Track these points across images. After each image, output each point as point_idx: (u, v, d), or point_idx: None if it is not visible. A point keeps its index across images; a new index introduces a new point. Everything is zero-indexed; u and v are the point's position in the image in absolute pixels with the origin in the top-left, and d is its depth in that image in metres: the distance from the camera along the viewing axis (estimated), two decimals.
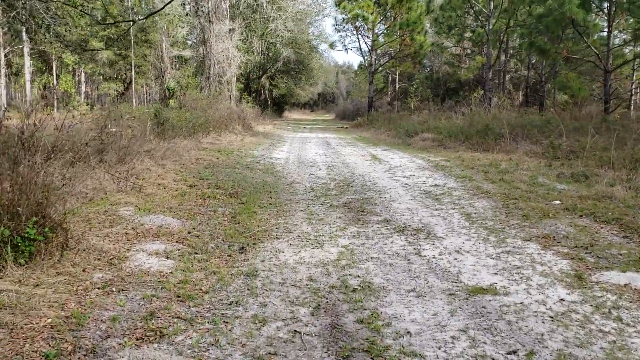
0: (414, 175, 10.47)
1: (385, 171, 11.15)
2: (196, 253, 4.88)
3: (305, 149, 16.66)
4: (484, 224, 6.18)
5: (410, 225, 6.11)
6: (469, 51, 42.09)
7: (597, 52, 21.81)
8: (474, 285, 4.11)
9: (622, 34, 25.93)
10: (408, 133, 19.84)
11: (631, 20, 22.11)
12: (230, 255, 4.87)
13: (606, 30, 21.20)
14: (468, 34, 38.39)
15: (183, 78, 27.05)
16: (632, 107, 32.28)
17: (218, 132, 18.26)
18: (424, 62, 40.33)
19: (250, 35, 38.79)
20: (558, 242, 5.27)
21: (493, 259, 4.82)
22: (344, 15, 34.64)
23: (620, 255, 4.71)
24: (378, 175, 10.40)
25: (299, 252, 5.06)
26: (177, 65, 33.22)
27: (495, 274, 4.40)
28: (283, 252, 5.03)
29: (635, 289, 4.00)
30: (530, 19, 25.51)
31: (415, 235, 5.69)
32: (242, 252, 4.98)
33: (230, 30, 31.78)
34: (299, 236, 5.63)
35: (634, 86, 34.55)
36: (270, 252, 5.05)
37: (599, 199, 7.11)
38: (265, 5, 39.49)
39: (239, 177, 9.37)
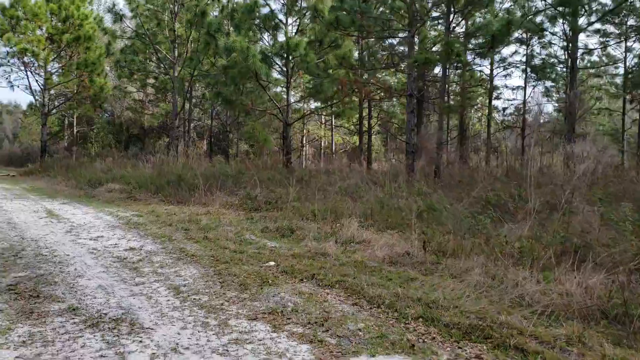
0: (102, 236, 8.84)
1: (67, 232, 9.22)
2: None
3: None
4: (198, 300, 5.13)
5: (106, 314, 4.67)
6: (152, 97, 41.27)
7: (279, 106, 23.25)
8: None
9: (298, 92, 28.39)
10: (91, 183, 17.70)
11: (307, 77, 24.33)
12: None
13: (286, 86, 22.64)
14: (151, 80, 37.63)
15: None
16: (304, 158, 35.63)
17: None
18: (104, 106, 37.85)
19: None
20: (288, 319, 4.53)
21: (221, 354, 3.79)
22: (8, 49, 30.14)
23: (360, 331, 4.19)
24: (57, 239, 8.46)
25: None
26: None
27: None
28: None
29: None
30: (214, 69, 26.06)
31: (115, 329, 4.29)
32: None
33: None
34: None
35: (304, 138, 38.36)
36: None
37: (314, 256, 6.79)
38: None
39: None
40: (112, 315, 4.63)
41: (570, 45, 15.53)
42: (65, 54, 31.09)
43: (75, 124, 38.45)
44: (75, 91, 31.58)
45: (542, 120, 31.82)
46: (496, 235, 6.41)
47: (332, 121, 36.46)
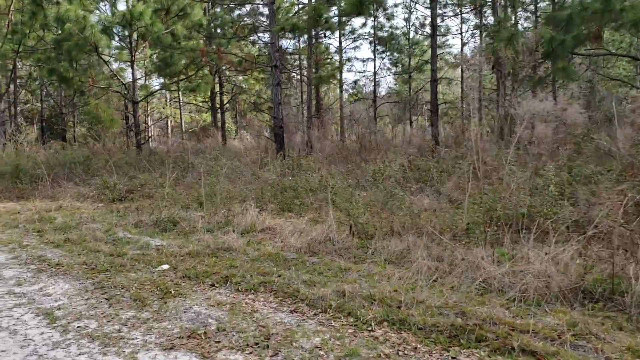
0: None
1: None
2: None
3: None
4: (85, 328, 3.87)
5: None
6: None
7: (124, 83, 21.09)
8: None
9: (141, 66, 25.99)
10: None
11: (152, 51, 22.30)
12: None
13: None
14: None
15: None
16: (150, 139, 33.18)
17: None
18: None
19: None
20: (217, 343, 3.50)
21: None
22: None
23: (320, 349, 3.29)
24: None
25: None
26: None
27: None
28: None
29: None
30: (42, 44, 22.92)
31: None
32: None
33: None
34: None
35: (149, 118, 35.86)
36: None
37: (215, 253, 5.70)
38: None
39: None
40: None
41: (431, 11, 15.70)
42: None
43: None
44: None
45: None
46: (423, 211, 5.84)
47: (179, 98, 34.34)
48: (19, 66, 29.24)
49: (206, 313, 4.06)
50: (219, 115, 27.89)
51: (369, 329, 3.56)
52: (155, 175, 11.24)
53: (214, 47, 20.07)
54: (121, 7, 19.89)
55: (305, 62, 28.51)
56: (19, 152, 15.81)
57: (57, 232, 7.30)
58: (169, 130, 37.91)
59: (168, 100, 37.29)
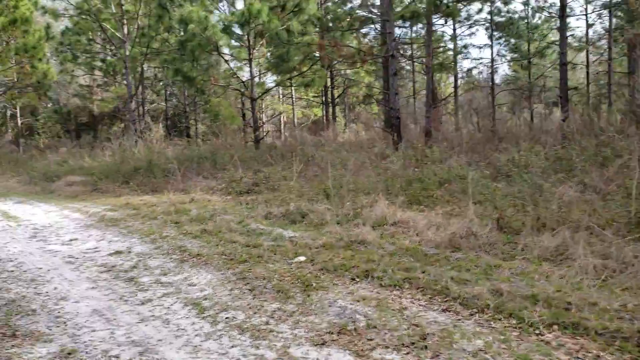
0: (77, 238, 7.40)
1: (31, 237, 7.73)
2: None
3: None
4: (233, 320, 3.88)
5: (118, 357, 3.37)
6: (100, 82, 38.80)
7: (244, 81, 21.75)
8: None
9: (260, 64, 26.72)
10: (47, 177, 15.91)
11: (267, 49, 22.79)
12: None
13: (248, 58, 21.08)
14: (98, 63, 35.19)
15: None
16: (266, 135, 34.03)
17: None
18: (50, 94, 35.25)
19: None
20: (370, 340, 3.34)
21: None
22: None
23: (485, 353, 3.04)
24: (22, 247, 6.98)
25: None
26: None
27: None
28: None
29: None
30: (166, 46, 24.22)
31: None
32: None
33: None
34: None
35: (263, 114, 36.82)
36: None
37: (349, 246, 5.59)
38: None
39: None
40: (128, 358, 3.34)
41: None
42: (1, 40, 28.50)
43: (19, 115, 35.71)
44: (16, 79, 29.11)
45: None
46: (583, 202, 5.34)
47: (292, 94, 34.95)
48: (145, 68, 31.20)
49: (352, 308, 3.92)
50: (330, 109, 28.07)
51: (537, 332, 3.23)
52: (278, 169, 11.40)
53: (330, 40, 20.05)
54: (239, 6, 20.37)
55: (418, 52, 27.90)
56: (150, 149, 16.77)
57: (193, 224, 7.56)
58: (282, 126, 38.75)
59: (281, 97, 38.09)
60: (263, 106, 36.09)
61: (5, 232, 8.31)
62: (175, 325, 3.84)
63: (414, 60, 23.78)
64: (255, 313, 3.98)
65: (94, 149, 23.01)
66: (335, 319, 3.74)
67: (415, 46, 27.34)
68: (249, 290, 4.54)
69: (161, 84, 35.56)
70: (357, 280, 4.57)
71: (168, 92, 34.94)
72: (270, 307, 4.08)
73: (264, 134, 25.25)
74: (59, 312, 4.25)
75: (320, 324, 3.67)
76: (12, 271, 5.71)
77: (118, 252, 6.37)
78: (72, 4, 24.69)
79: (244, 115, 28.84)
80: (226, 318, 3.92)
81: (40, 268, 5.79)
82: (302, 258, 5.30)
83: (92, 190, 12.80)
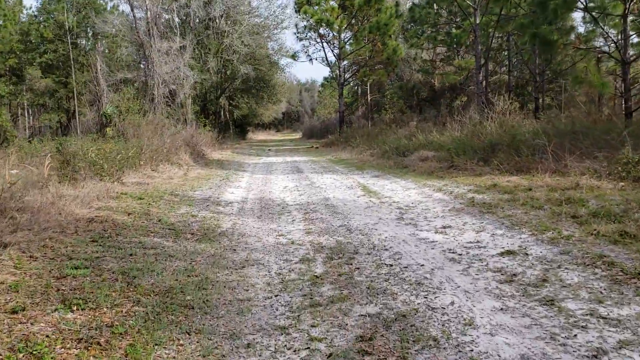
0: (449, 226, 6.27)
1: (398, 219, 6.92)
2: None
3: (270, 181, 12.36)
4: None
5: None
6: (442, 56, 38.62)
7: (615, 40, 18.26)
8: None
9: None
10: (398, 151, 15.73)
11: None
12: None
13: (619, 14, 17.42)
14: (441, 37, 34.86)
15: (122, 102, 22.42)
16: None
17: (155, 165, 13.85)
18: (397, 70, 36.53)
19: (204, 53, 34.63)
20: None
21: None
22: (305, 22, 30.58)
23: None
24: (392, 232, 6.16)
25: None
26: (117, 89, 28.90)
27: None
28: None
29: None
30: (524, 7, 21.89)
31: None
32: None
33: (180, 47, 27.57)
34: None
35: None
36: None
37: None
38: (218, 19, 35.34)
39: (142, 265, 4.92)
40: None
41: None
42: (357, 20, 30.34)
43: (368, 92, 38.10)
44: (368, 57, 30.76)
45: None
46: None
47: None
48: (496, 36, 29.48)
49: None
50: None
51: None
52: None
53: None
54: None
55: None
56: (503, 123, 15.12)
57: (602, 220, 5.63)
58: None
59: None
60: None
61: (370, 210, 7.75)
62: None
63: None
64: None
65: (437, 123, 22.53)
66: None
67: None
68: None
69: (504, 53, 33.41)
70: None
71: (513, 62, 32.59)
72: None
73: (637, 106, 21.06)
74: (471, 351, 2.97)
75: None
76: (390, 265, 4.78)
77: (510, 253, 4.93)
78: None
79: (623, 81, 24.79)
80: None
81: (422, 265, 4.73)
82: None
83: (448, 167, 11.80)
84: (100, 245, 5.61)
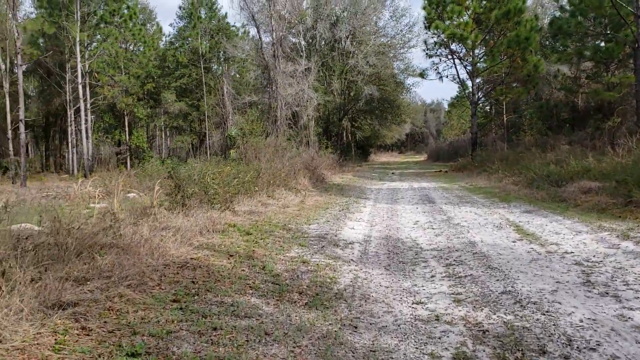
0: None
1: (583, 284, 4.88)
2: None
3: (396, 213, 10.62)
4: None
5: None
6: (589, 72, 34.65)
7: None
8: None
9: None
10: (550, 180, 13.27)
11: None
12: None
13: None
14: (588, 52, 31.19)
15: (246, 124, 21.91)
16: None
17: (271, 191, 12.69)
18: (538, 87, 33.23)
19: (328, 75, 33.91)
20: None
21: None
22: (435, 38, 28.58)
23: None
24: (584, 309, 4.17)
25: None
26: (243, 112, 28.82)
27: None
28: None
29: None
30: None
31: None
32: None
33: (305, 69, 26.90)
34: None
35: None
36: None
37: None
38: (344, 40, 34.48)
39: (224, 353, 3.41)
40: None
41: None
42: (492, 35, 27.86)
43: (504, 112, 35.09)
44: (504, 74, 28.10)
45: None
46: None
47: None
48: None
49: None
50: None
51: None
52: None
53: None
54: None
55: None
56: None
57: None
58: None
59: None
60: None
61: (539, 266, 5.74)
62: None
63: None
64: None
65: (588, 147, 19.59)
66: None
67: None
68: None
69: None
70: None
71: None
72: None
73: None
74: None
75: None
76: None
77: None
78: None
79: None
80: None
81: None
82: None
83: (625, 203, 9.32)
84: (181, 308, 4.22)
